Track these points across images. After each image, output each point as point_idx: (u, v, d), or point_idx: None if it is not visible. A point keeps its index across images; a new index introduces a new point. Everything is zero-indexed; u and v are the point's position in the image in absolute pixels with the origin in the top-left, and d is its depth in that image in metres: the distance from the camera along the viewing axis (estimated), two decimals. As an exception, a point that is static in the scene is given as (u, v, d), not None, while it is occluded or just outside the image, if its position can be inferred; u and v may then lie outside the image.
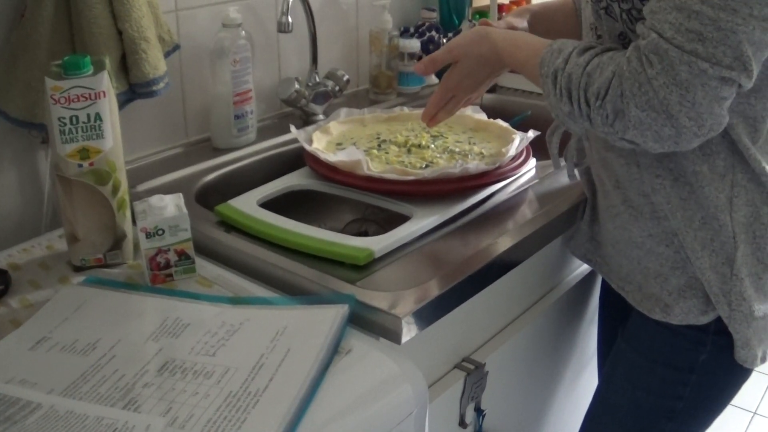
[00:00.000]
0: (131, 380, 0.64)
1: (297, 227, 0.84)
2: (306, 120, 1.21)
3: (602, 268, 0.93)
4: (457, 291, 0.76)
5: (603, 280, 1.03)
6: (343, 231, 1.04)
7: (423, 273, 0.78)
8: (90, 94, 0.75)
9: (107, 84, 0.76)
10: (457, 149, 1.02)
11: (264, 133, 1.14)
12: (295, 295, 0.76)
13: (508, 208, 0.93)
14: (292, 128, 1.03)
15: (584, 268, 1.05)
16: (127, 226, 0.82)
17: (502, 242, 0.84)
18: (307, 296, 0.75)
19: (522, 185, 0.98)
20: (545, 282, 1.00)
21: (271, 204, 0.92)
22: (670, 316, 0.82)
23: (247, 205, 0.89)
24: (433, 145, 1.03)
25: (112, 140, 0.77)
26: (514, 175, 0.98)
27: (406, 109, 1.15)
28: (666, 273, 0.82)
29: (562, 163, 0.95)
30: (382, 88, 1.32)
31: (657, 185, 0.79)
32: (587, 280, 1.05)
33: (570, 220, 0.95)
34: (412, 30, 1.39)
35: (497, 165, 0.95)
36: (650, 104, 0.68)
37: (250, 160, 1.08)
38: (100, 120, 0.76)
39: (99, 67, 0.77)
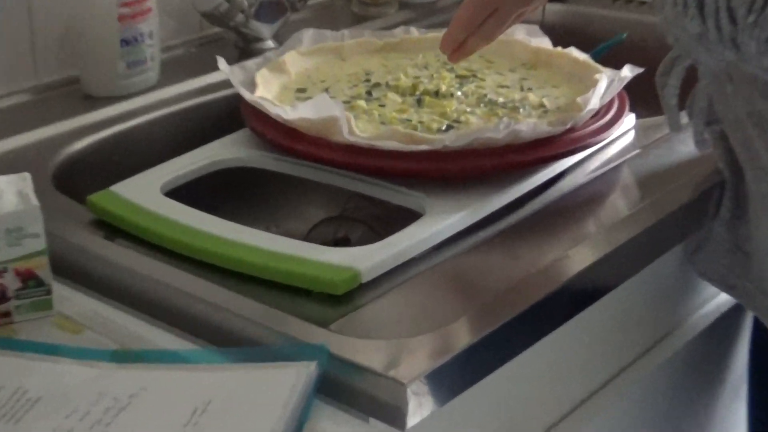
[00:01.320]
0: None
1: (231, 232, 0.84)
2: (245, 49, 1.21)
3: (754, 300, 0.93)
4: (500, 339, 0.76)
5: (755, 320, 1.03)
6: (308, 237, 1.04)
7: (442, 308, 0.78)
8: None
9: None
10: (500, 99, 1.02)
11: (173, 72, 1.15)
12: (227, 346, 0.76)
13: (587, 199, 0.93)
14: (222, 63, 1.03)
15: (723, 299, 1.06)
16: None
17: (579, 256, 0.84)
18: (248, 349, 0.75)
19: (612, 159, 0.98)
20: (654, 324, 1.00)
21: (185, 192, 0.92)
22: None
23: (145, 193, 0.89)
24: (460, 93, 1.03)
25: None
26: (599, 142, 0.98)
27: (414, 31, 1.15)
28: None
29: (684, 120, 0.95)
30: (372, -5, 1.32)
31: None
32: (728, 320, 1.06)
33: (696, 217, 0.95)
34: None
35: (569, 126, 0.95)
36: None
37: (150, 117, 1.08)
38: None
39: None
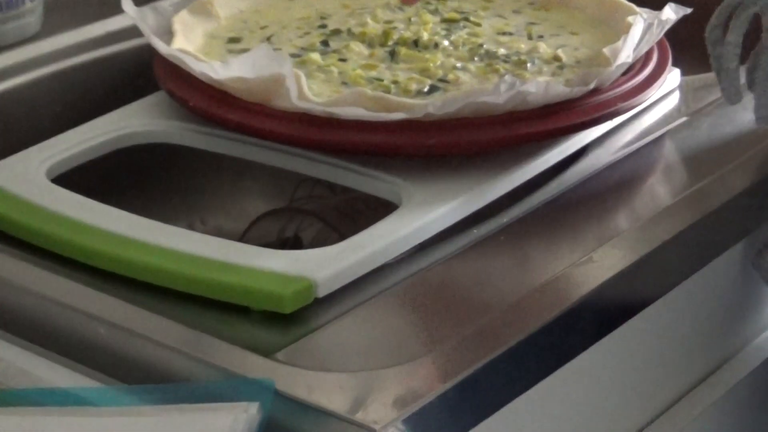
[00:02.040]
0: None
1: (142, 231, 0.84)
2: (157, -15, 1.21)
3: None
4: (504, 370, 0.77)
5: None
6: (246, 237, 1.05)
7: (426, 331, 0.79)
8: None
9: None
10: (501, 51, 1.03)
11: (61, 16, 1.15)
12: (140, 383, 0.76)
13: (617, 183, 0.95)
14: (127, 4, 1.03)
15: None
16: None
17: (606, 260, 0.85)
18: (168, 386, 0.75)
19: (649, 131, 1.00)
20: (707, 348, 1.01)
21: (80, 177, 0.92)
22: None
23: (25, 179, 0.90)
24: (447, 42, 1.04)
25: None
26: (632, 108, 0.99)
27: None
28: None
29: (743, 81, 0.95)
30: None
31: None
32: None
33: (761, 208, 0.96)
34: None
35: (593, 86, 0.96)
36: None
37: (30, 78, 1.08)
38: None
39: None
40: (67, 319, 0.80)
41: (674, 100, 1.05)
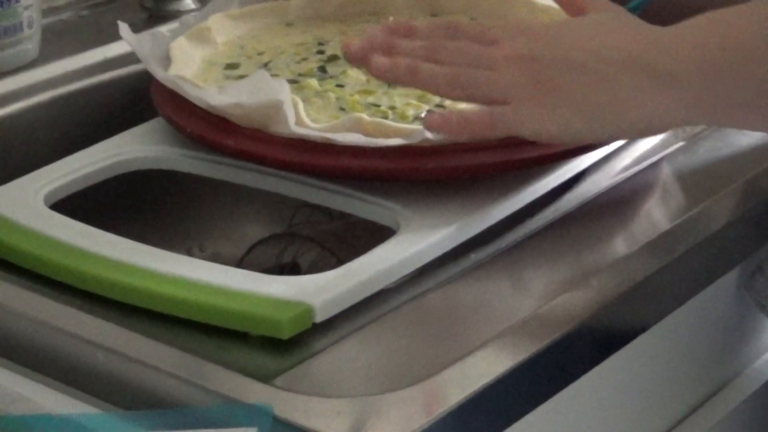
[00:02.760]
0: None
1: (140, 256, 0.84)
2: (155, 11, 1.21)
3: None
4: (501, 395, 0.77)
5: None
6: (244, 262, 1.05)
7: (424, 356, 0.79)
8: None
9: None
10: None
11: (59, 43, 1.15)
12: (137, 408, 0.76)
13: (615, 208, 0.95)
14: (124, 30, 1.03)
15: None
16: None
17: (604, 285, 0.85)
18: (165, 412, 0.75)
19: (647, 155, 1.00)
20: (705, 373, 1.01)
21: (78, 203, 0.92)
22: None
23: (23, 205, 0.90)
24: (444, 68, 1.05)
25: None
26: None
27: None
28: None
29: None
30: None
31: None
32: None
33: (759, 232, 0.96)
34: None
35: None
36: None
37: (28, 104, 1.08)
38: None
39: None
40: (64, 345, 0.80)
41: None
